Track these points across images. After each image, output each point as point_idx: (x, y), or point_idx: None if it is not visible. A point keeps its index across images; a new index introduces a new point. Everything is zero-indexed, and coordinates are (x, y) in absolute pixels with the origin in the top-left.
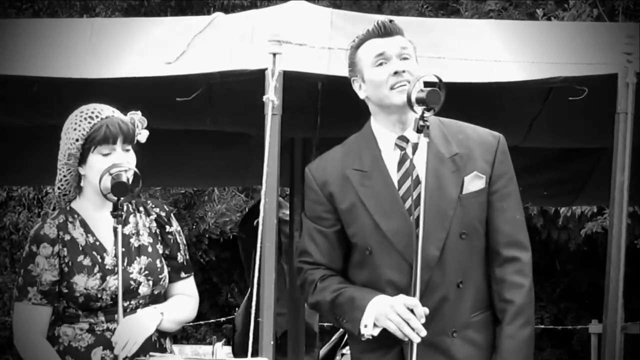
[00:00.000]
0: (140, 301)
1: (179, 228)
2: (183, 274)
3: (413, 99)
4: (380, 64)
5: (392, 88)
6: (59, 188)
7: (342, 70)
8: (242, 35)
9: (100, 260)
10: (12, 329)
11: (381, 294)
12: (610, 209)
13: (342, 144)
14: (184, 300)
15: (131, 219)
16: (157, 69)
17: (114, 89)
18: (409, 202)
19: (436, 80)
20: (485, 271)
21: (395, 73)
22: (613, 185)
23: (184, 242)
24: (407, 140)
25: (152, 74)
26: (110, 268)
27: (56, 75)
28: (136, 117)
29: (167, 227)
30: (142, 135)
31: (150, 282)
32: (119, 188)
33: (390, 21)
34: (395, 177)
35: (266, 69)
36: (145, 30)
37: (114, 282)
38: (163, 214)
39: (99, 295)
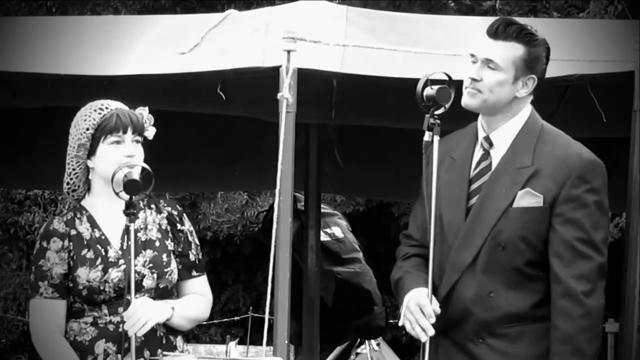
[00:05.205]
0: (146, 294)
1: (191, 228)
2: (195, 272)
3: (423, 97)
4: (472, 62)
5: (465, 88)
6: (67, 183)
7: (357, 68)
8: (256, 32)
9: (103, 253)
10: (30, 327)
11: (419, 288)
12: (627, 208)
13: (464, 128)
14: (196, 299)
15: (141, 214)
16: (171, 65)
17: (126, 85)
18: (473, 200)
19: (446, 78)
20: (529, 287)
21: (471, 78)
22: (630, 183)
23: (197, 242)
24: (490, 142)
25: (167, 71)
26: (113, 261)
27: (69, 73)
28: (144, 113)
29: (179, 225)
30: (150, 132)
31: (155, 275)
32: (131, 186)
33: (507, 25)
34: (473, 173)
35: (280, 66)
36: (158, 25)
37: (117, 275)
38: (175, 212)
39: (102, 288)
